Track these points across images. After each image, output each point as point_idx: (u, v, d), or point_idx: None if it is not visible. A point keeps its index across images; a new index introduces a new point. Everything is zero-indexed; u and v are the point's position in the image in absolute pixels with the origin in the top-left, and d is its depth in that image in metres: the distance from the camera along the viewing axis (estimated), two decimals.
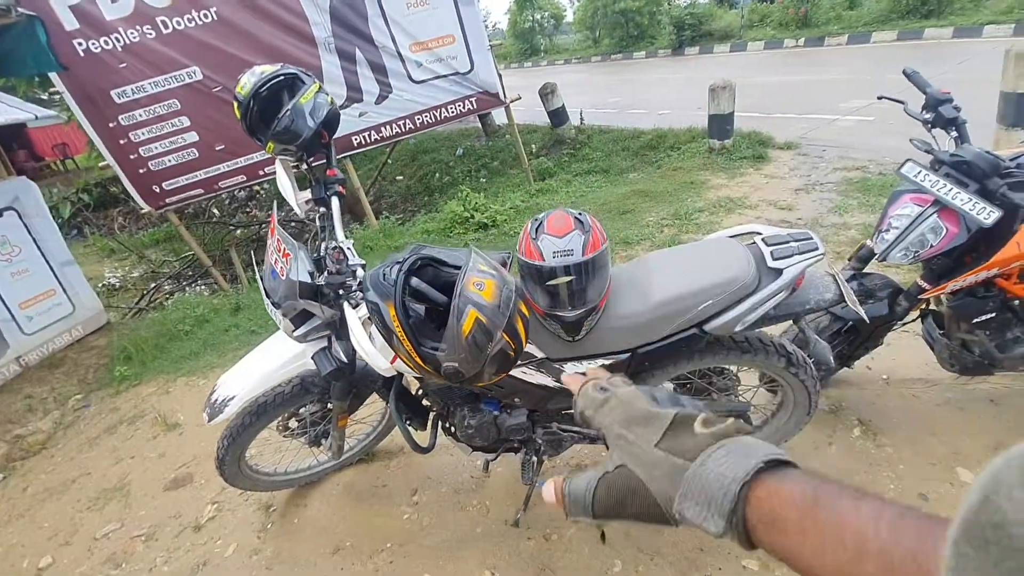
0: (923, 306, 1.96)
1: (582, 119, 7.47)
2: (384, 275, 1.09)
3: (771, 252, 1.40)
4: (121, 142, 4.75)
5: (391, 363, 1.47)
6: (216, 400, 1.63)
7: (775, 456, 0.37)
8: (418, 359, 1.07)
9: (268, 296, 1.43)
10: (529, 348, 1.46)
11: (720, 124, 5.51)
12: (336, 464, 2.21)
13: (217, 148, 5.03)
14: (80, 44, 4.37)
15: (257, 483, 2.02)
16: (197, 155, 4.99)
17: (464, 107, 5.64)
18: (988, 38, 9.47)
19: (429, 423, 1.79)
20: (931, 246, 1.64)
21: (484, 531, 1.89)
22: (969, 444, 1.90)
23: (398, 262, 1.11)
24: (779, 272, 1.36)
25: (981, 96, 3.76)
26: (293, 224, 10.16)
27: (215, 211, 10.88)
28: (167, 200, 5.09)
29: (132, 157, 4.83)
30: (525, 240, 1.41)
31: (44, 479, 2.63)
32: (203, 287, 7.91)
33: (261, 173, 5.30)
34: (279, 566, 1.90)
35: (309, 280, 1.35)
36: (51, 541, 2.22)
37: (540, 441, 1.74)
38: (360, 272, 1.38)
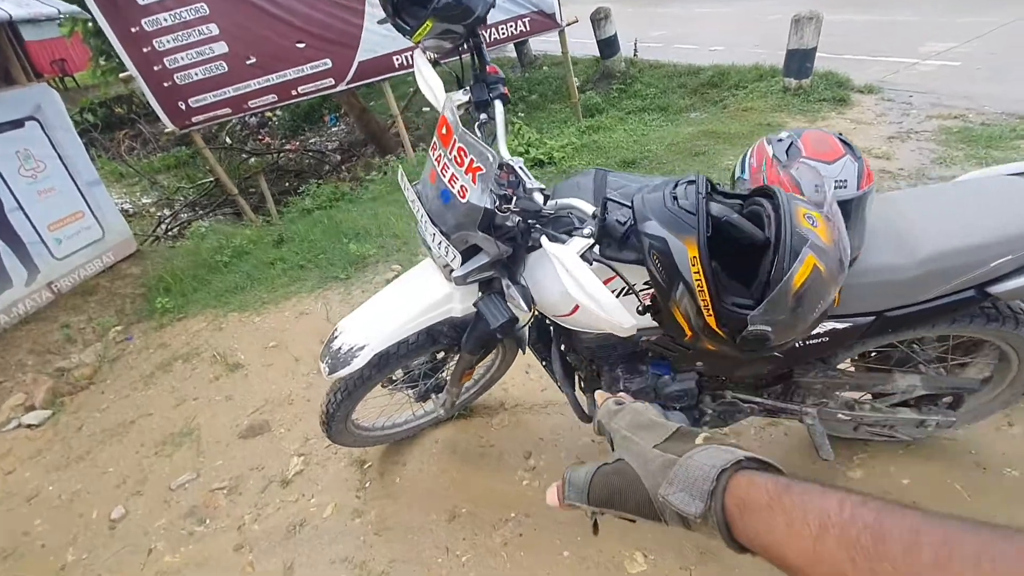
0: None
1: (636, 51, 6.87)
2: (675, 200, 0.77)
3: None
4: (145, 50, 4.25)
5: (570, 314, 1.19)
6: (339, 349, 1.35)
7: (759, 458, 0.40)
8: (711, 319, 0.79)
9: (434, 222, 1.11)
10: None
11: (800, 60, 5.00)
12: (436, 419, 1.98)
13: (248, 62, 4.54)
14: None
15: (358, 439, 1.79)
16: (226, 69, 4.50)
17: (517, 28, 5.10)
18: None
19: (578, 387, 1.52)
20: None
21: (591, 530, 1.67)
22: None
23: (683, 182, 0.79)
24: None
25: None
26: (311, 153, 9.68)
27: (227, 138, 10.32)
28: (193, 119, 4.63)
29: (156, 68, 4.34)
30: (764, 166, 1.08)
31: (99, 418, 2.41)
32: (222, 217, 7.56)
33: (294, 93, 4.83)
34: (388, 532, 1.70)
35: (494, 207, 1.03)
36: (119, 489, 2.01)
37: (707, 410, 1.49)
38: (541, 198, 1.06)
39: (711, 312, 0.78)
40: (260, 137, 10.57)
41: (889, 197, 1.29)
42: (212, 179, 8.32)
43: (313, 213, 4.65)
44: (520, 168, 1.11)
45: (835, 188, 1.01)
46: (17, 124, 3.36)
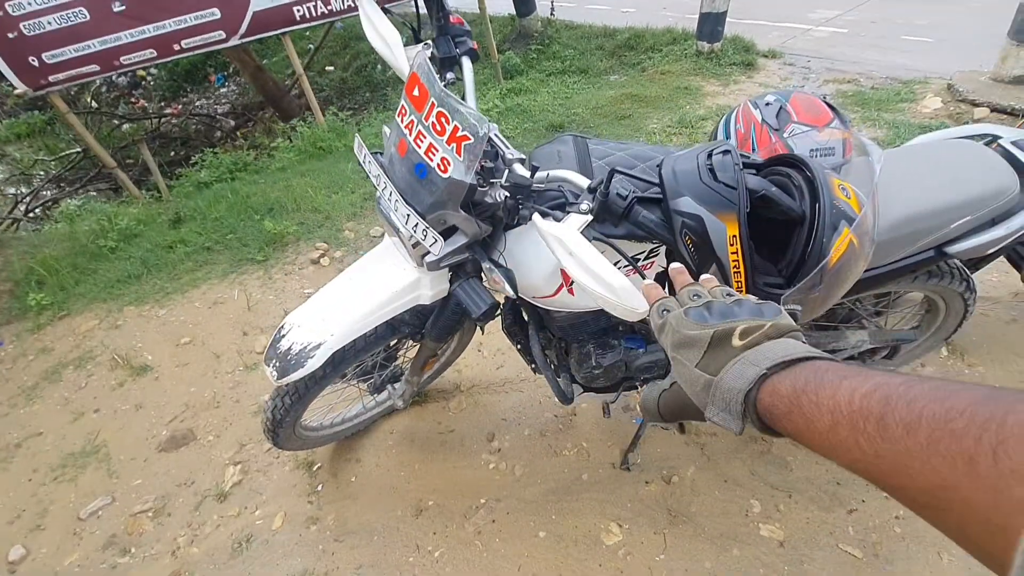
0: None
1: (552, 10, 6.71)
2: (710, 173, 0.69)
3: None
4: None
5: (554, 294, 1.11)
6: (289, 349, 1.17)
7: (783, 359, 0.42)
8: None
9: (407, 201, 0.96)
10: None
11: (712, 24, 5.13)
12: (388, 409, 1.85)
13: (115, 8, 3.86)
14: None
15: (307, 441, 1.62)
16: (88, 17, 3.80)
17: None
18: None
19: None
20: None
21: (591, 478, 1.67)
22: None
23: (717, 152, 0.71)
24: None
25: (988, 10, 3.69)
26: (198, 118, 8.67)
27: (91, 101, 8.94)
28: (50, 78, 3.89)
29: None
30: (752, 130, 1.05)
31: None
32: (95, 194, 6.61)
33: (176, 48, 4.20)
34: (350, 536, 1.57)
35: (476, 183, 0.90)
36: (14, 526, 1.70)
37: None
38: (522, 169, 0.95)
39: (744, 293, 0.73)
40: (133, 100, 9.25)
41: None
42: (79, 150, 7.19)
43: (212, 187, 4.15)
44: (496, 136, 0.99)
45: (825, 155, 0.99)
46: None
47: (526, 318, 1.38)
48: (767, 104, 1.05)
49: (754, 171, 0.78)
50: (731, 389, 0.44)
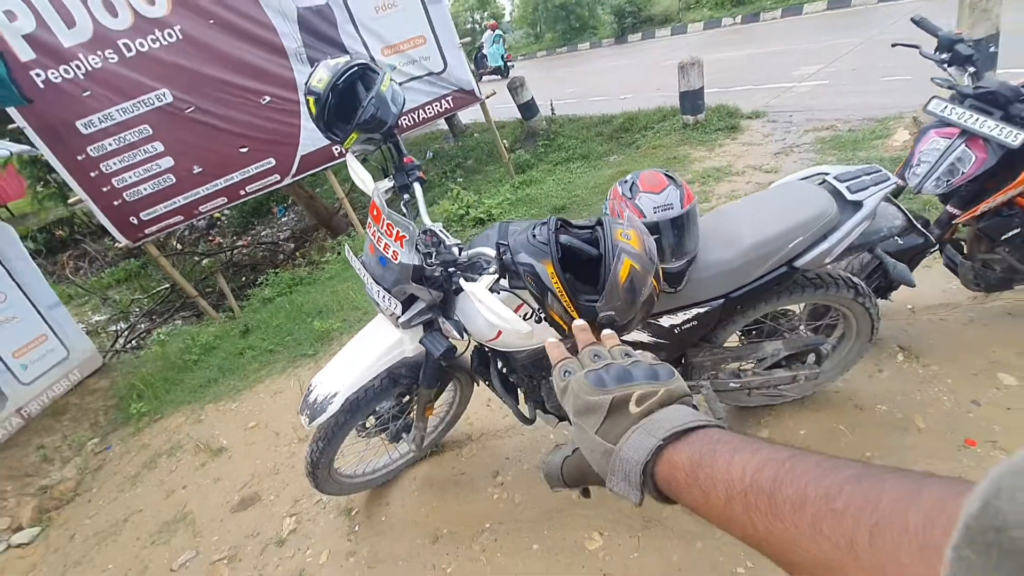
0: (951, 233, 2.12)
1: (553, 110, 7.58)
2: (533, 236, 1.12)
3: (846, 187, 1.51)
4: (92, 174, 4.52)
5: (495, 338, 1.51)
6: (315, 400, 1.61)
7: (676, 429, 0.44)
8: (575, 313, 1.11)
9: (378, 283, 1.43)
10: None
11: (692, 99, 5.71)
12: (411, 459, 2.21)
13: (195, 172, 4.86)
14: (39, 75, 4.15)
15: (343, 487, 2.00)
16: (174, 180, 4.80)
17: (441, 107, 5.65)
18: (912, 0, 10.11)
19: (521, 398, 1.82)
20: (962, 173, 1.79)
21: (580, 498, 1.93)
22: (1003, 352, 2.08)
23: (540, 224, 1.14)
24: (859, 204, 1.47)
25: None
26: (264, 245, 9.88)
27: (176, 244, 10.46)
28: (146, 231, 4.87)
29: (105, 189, 4.60)
30: (619, 202, 1.46)
31: (90, 524, 2.51)
32: (180, 321, 7.61)
33: (242, 193, 5.15)
34: (381, 565, 1.90)
35: (420, 263, 1.36)
36: None
37: None
38: (456, 251, 1.40)
39: (573, 309, 1.11)
40: (210, 238, 10.78)
41: (720, 209, 1.70)
42: (167, 286, 8.43)
43: (274, 301, 4.88)
44: (440, 231, 1.46)
45: (665, 210, 1.39)
46: None
47: (490, 359, 1.77)
48: (625, 182, 1.47)
49: (584, 229, 1.19)
50: (630, 460, 0.45)
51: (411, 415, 2.04)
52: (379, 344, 1.62)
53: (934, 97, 1.87)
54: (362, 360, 1.62)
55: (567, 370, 0.55)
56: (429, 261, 1.37)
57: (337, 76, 1.46)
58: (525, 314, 1.45)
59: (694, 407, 0.50)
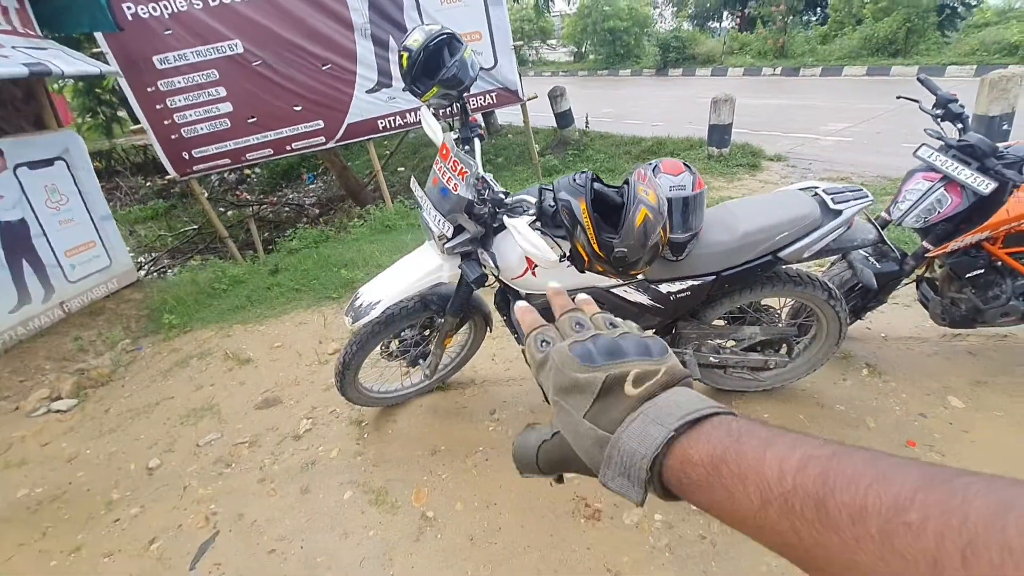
0: (921, 271, 2.41)
1: (587, 122, 7.93)
2: (574, 180, 1.41)
3: (831, 198, 1.80)
4: (157, 107, 4.88)
5: (522, 275, 1.80)
6: (360, 304, 1.90)
7: (690, 417, 0.37)
8: (596, 245, 1.40)
9: (436, 208, 1.72)
10: None
11: (720, 133, 6.03)
12: (421, 388, 2.49)
13: (249, 120, 5.21)
14: (129, 8, 4.52)
15: (361, 397, 2.28)
16: (229, 125, 5.15)
17: (484, 101, 5.99)
18: (950, 77, 10.48)
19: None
20: (938, 212, 2.08)
21: (553, 484, 2.21)
22: (956, 381, 2.35)
23: (580, 173, 1.43)
24: (839, 212, 1.77)
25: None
26: (290, 207, 10.24)
27: (204, 191, 10.81)
28: (194, 168, 5.22)
29: (166, 123, 4.96)
30: (642, 180, 1.76)
31: (124, 402, 2.80)
32: (204, 262, 7.92)
33: (288, 148, 5.50)
34: (384, 463, 2.17)
35: (474, 198, 1.66)
36: (152, 449, 2.41)
37: None
38: (501, 196, 1.70)
39: (595, 242, 1.40)
40: (238, 192, 11.14)
41: (725, 203, 2.00)
42: (194, 227, 8.78)
43: (301, 251, 5.19)
44: (490, 179, 1.77)
45: (679, 189, 1.69)
46: (48, 163, 3.86)
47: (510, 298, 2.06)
48: (650, 165, 1.77)
49: (613, 188, 1.48)
50: (633, 453, 0.37)
51: (430, 345, 2.32)
52: (422, 267, 1.92)
53: (923, 144, 2.16)
54: (406, 277, 1.91)
55: (544, 339, 0.47)
56: (481, 198, 1.66)
57: (430, 39, 1.77)
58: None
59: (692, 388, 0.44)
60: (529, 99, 6.22)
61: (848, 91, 10.42)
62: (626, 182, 1.42)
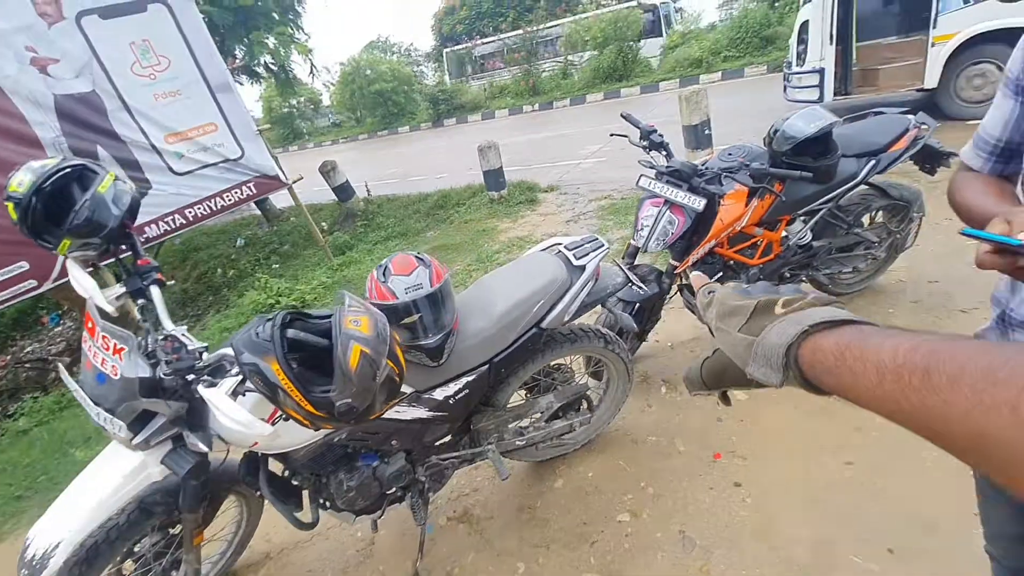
0: (680, 281, 2.58)
1: (368, 191, 7.69)
2: (257, 335, 1.09)
3: (573, 255, 1.76)
4: None
5: (254, 444, 1.42)
6: (33, 557, 1.31)
7: (825, 319, 0.44)
8: (309, 407, 1.09)
9: (98, 404, 1.25)
10: None
11: (494, 177, 6.27)
12: None
13: None
14: None
15: None
16: None
17: (243, 193, 5.37)
18: (663, 91, 12.65)
19: (306, 500, 1.70)
20: (672, 233, 2.23)
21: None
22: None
23: (267, 320, 1.12)
24: (583, 268, 1.73)
25: (670, 132, 5.07)
26: (29, 364, 8.15)
27: None
28: None
29: None
30: (374, 286, 1.52)
31: None
32: None
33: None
34: None
35: (149, 374, 1.24)
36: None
37: (423, 479, 1.79)
38: (205, 354, 1.32)
39: (307, 402, 1.10)
40: None
41: (478, 281, 1.87)
42: None
43: (30, 432, 3.97)
44: (183, 335, 1.36)
45: (416, 290, 1.48)
46: None
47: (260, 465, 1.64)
48: (380, 267, 1.55)
49: (324, 319, 1.21)
50: (773, 345, 0.45)
51: (181, 550, 1.77)
52: (115, 474, 1.40)
53: (642, 175, 2.32)
54: (93, 496, 1.38)
55: (710, 290, 0.59)
56: (162, 370, 1.25)
57: (43, 179, 1.33)
58: (283, 416, 1.39)
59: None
60: (294, 181, 5.75)
61: (593, 116, 11.89)
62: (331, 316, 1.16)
